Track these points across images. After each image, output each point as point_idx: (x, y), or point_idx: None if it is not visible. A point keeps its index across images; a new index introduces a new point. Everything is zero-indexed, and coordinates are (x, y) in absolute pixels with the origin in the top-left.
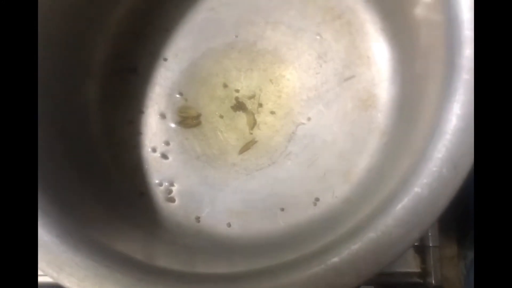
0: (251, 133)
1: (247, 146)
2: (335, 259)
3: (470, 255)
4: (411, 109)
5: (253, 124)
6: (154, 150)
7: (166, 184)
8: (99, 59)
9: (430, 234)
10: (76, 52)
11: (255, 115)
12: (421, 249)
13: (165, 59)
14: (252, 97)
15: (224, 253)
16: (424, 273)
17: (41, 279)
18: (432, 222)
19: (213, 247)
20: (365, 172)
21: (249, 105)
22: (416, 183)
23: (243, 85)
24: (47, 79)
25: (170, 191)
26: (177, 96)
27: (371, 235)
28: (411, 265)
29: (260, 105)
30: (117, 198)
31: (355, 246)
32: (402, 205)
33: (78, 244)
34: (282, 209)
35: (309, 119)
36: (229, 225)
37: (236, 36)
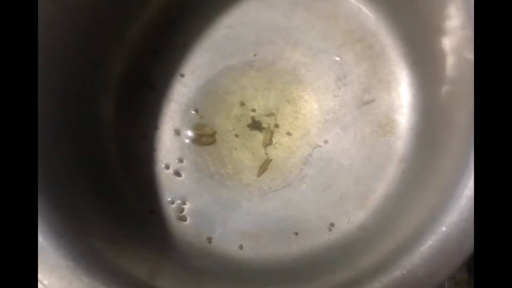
0: (267, 154)
1: (264, 167)
2: None
3: None
4: (433, 138)
5: (268, 144)
6: (167, 167)
7: (178, 202)
8: (116, 74)
9: None
10: (92, 67)
11: (271, 135)
12: None
13: (182, 75)
14: (268, 117)
15: (234, 278)
16: None
17: None
18: (461, 262)
19: (223, 270)
20: (382, 199)
21: (266, 125)
22: (445, 222)
23: (260, 104)
24: (62, 94)
25: (182, 210)
26: (193, 113)
27: (397, 273)
28: None
29: (277, 125)
30: (128, 215)
31: (379, 285)
32: (430, 244)
33: (90, 267)
34: (296, 233)
35: (326, 142)
36: (241, 247)
37: (255, 55)
